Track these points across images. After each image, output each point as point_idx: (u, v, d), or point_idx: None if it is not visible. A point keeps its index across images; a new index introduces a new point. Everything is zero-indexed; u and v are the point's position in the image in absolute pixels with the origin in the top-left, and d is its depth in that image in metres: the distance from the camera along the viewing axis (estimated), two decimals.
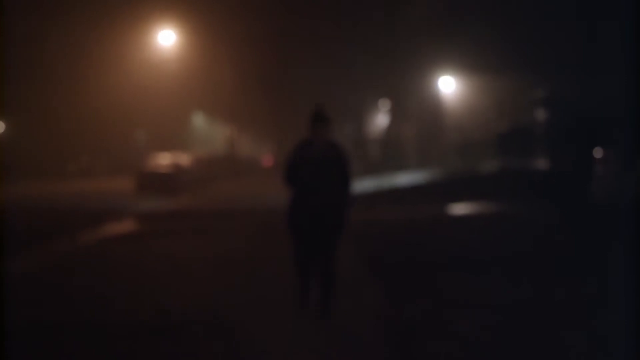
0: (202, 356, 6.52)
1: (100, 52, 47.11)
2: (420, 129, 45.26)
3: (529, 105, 30.68)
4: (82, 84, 47.01)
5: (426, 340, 6.89)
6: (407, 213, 19.42)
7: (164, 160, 34.02)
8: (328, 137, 7.63)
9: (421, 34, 40.67)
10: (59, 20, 46.05)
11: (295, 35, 46.24)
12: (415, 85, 43.96)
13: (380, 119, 49.83)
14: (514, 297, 8.54)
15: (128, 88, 48.59)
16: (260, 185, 36.61)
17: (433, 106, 43.94)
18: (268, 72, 49.74)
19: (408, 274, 10.27)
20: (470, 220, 17.97)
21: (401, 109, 46.62)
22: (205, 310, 8.13)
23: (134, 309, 8.26)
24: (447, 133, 43.64)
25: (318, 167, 7.50)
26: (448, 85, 43.40)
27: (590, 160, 20.61)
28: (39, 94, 45.64)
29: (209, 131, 59.36)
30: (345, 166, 7.62)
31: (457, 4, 38.65)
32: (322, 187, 7.49)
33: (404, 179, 30.50)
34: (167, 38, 46.65)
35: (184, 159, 35.48)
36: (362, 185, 25.36)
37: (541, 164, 24.78)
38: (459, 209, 20.31)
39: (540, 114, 26.50)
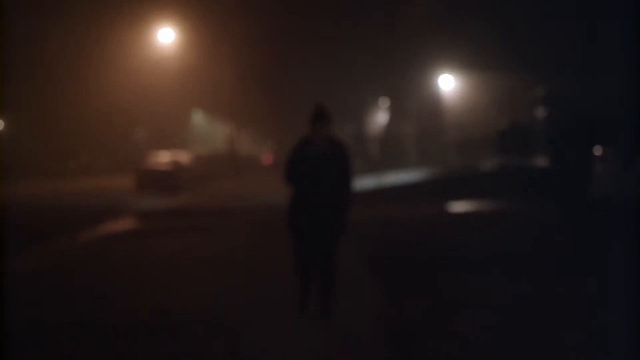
0: (202, 356, 6.52)
1: (100, 50, 47.12)
2: (420, 127, 45.27)
3: (529, 103, 30.63)
4: (81, 82, 47.03)
5: (426, 340, 6.89)
6: (407, 212, 19.42)
7: (163, 158, 34.04)
8: (329, 134, 7.59)
9: (421, 33, 40.66)
10: (59, 19, 46.04)
11: (295, 35, 46.24)
12: (415, 83, 43.96)
13: (380, 117, 49.85)
14: (514, 297, 8.54)
15: (128, 86, 48.62)
16: (260, 183, 36.64)
17: (433, 104, 43.92)
18: (268, 71, 49.78)
19: (408, 273, 10.27)
20: (470, 219, 17.97)
21: (401, 107, 46.66)
22: (205, 310, 8.13)
23: (133, 308, 8.26)
24: (447, 131, 43.61)
25: (318, 164, 7.46)
26: (448, 83, 43.37)
27: (590, 158, 20.58)
28: (38, 93, 45.64)
29: (209, 129, 59.42)
30: (347, 164, 7.56)
31: (457, 3, 38.63)
32: (322, 185, 7.45)
33: (404, 177, 30.50)
34: (166, 36, 46.60)
35: (183, 156, 35.50)
36: (362, 183, 25.37)
37: (541, 162, 24.75)
38: (459, 207, 20.32)
39: (540, 112, 26.45)
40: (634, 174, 18.37)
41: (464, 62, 39.15)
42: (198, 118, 60.61)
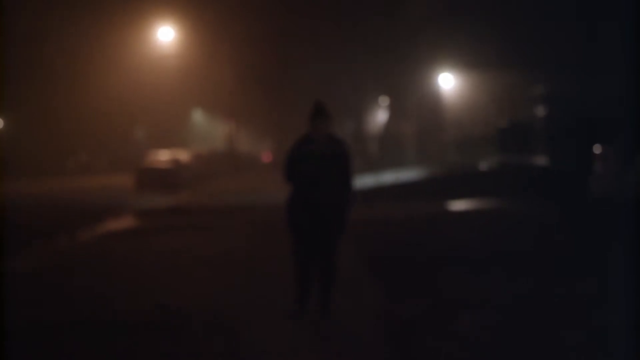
0: (202, 356, 6.52)
1: (100, 49, 47.10)
2: (419, 126, 45.23)
3: (529, 102, 30.61)
4: (81, 81, 47.02)
5: (426, 340, 6.89)
6: (406, 210, 19.41)
7: (163, 156, 34.03)
8: (329, 132, 7.55)
9: (421, 32, 40.65)
10: (59, 17, 46.02)
11: (295, 35, 46.23)
12: (415, 82, 43.93)
13: (380, 116, 49.83)
14: (514, 297, 8.54)
15: (128, 85, 48.59)
16: (259, 182, 36.60)
17: (432, 103, 43.89)
18: (268, 71, 49.73)
19: (408, 273, 10.27)
20: (470, 218, 17.96)
21: (400, 106, 46.63)
22: (205, 309, 8.13)
23: (134, 308, 8.27)
24: (447, 130, 43.59)
25: (318, 164, 7.42)
26: (447, 82, 43.34)
27: (590, 157, 20.58)
28: (38, 92, 45.64)
29: (209, 128, 59.35)
30: (347, 164, 7.52)
31: (457, 2, 38.61)
32: (322, 184, 7.41)
33: (403, 175, 30.48)
34: (166, 34, 46.58)
35: (183, 155, 35.48)
36: (361, 181, 25.35)
37: (541, 161, 24.75)
38: (458, 206, 20.31)
39: (540, 111, 26.45)
40: (633, 173, 18.37)
41: (464, 60, 39.12)
42: (198, 117, 60.57)
